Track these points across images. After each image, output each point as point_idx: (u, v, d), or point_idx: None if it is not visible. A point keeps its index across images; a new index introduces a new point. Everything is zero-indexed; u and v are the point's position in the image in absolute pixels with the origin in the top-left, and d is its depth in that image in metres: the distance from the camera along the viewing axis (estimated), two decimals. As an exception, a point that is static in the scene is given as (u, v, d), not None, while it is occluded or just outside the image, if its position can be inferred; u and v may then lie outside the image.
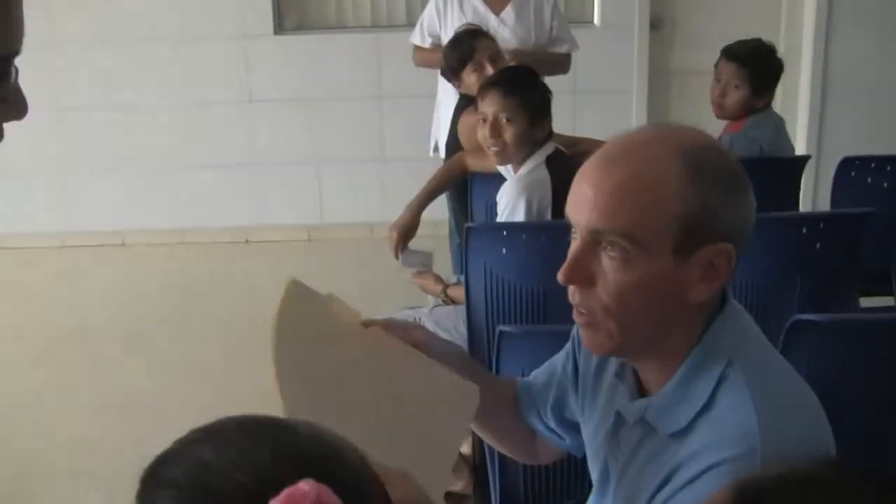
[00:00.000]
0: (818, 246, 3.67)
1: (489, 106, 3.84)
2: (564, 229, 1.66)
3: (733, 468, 1.50)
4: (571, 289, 1.67)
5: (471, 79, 4.51)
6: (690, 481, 1.58)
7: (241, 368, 4.99)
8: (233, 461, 0.99)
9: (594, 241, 1.62)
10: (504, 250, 3.53)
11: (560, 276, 1.65)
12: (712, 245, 1.60)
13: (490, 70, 4.41)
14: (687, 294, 1.62)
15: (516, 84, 3.86)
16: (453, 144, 4.77)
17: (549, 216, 3.78)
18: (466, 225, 3.65)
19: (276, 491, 0.93)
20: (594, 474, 1.95)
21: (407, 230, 4.29)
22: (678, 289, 1.62)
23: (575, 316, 1.70)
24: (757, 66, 4.56)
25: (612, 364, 1.87)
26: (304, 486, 0.93)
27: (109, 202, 7.48)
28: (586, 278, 1.63)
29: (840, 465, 1.02)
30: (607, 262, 1.61)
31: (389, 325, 1.98)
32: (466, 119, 4.52)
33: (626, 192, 1.59)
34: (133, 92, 7.30)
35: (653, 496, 1.67)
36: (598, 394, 1.93)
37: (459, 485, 3.80)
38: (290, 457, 1.01)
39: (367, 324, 1.95)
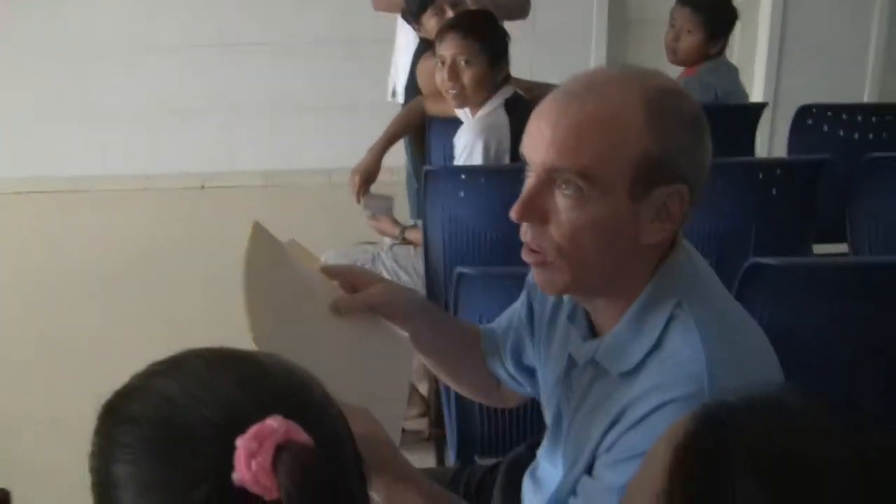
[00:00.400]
0: (774, 192, 3.69)
1: (448, 49, 3.82)
2: (519, 173, 1.64)
3: (681, 407, 1.50)
4: (524, 227, 1.66)
5: (431, 23, 4.48)
6: (639, 420, 1.59)
7: (205, 311, 4.98)
8: (197, 396, 0.97)
9: (549, 179, 1.61)
10: (462, 193, 3.53)
11: (513, 214, 1.64)
12: (667, 186, 1.59)
13: (451, 14, 4.39)
14: (640, 235, 1.62)
15: (475, 27, 3.85)
16: (412, 89, 4.76)
17: (507, 160, 3.78)
18: (425, 168, 3.64)
19: (243, 427, 0.92)
20: (548, 418, 1.96)
21: (369, 174, 4.29)
22: (631, 229, 1.61)
23: (525, 255, 1.69)
24: (710, 11, 4.59)
25: (566, 308, 1.87)
26: (273, 422, 0.92)
27: (69, 148, 7.40)
28: (540, 216, 1.62)
29: (806, 392, 1.02)
30: (561, 201, 1.60)
31: (352, 275, 1.98)
32: (425, 63, 4.51)
33: (586, 131, 1.57)
34: (93, 37, 7.21)
35: (603, 436, 1.67)
36: (553, 338, 1.94)
37: (415, 423, 3.82)
38: (257, 392, 0.99)
39: (330, 271, 1.95)
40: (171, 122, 7.35)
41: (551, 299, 1.95)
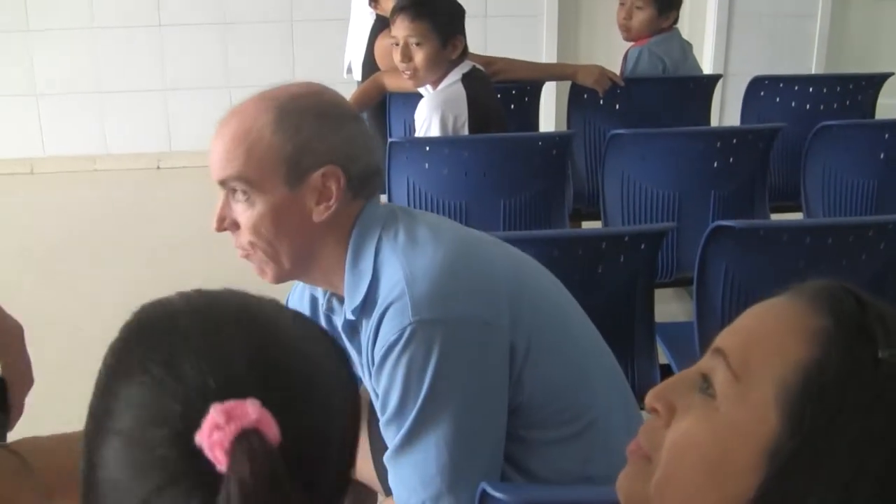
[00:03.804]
0: (731, 160, 3.79)
1: (399, 31, 3.87)
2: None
3: (394, 310, 1.84)
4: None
5: (389, 4, 4.49)
6: (375, 338, 1.89)
7: (164, 287, 4.97)
8: (210, 354, 1.00)
9: (226, 191, 1.93)
10: (427, 165, 3.59)
11: (213, 227, 1.96)
12: (318, 170, 1.89)
13: (408, -8, 4.40)
14: (311, 216, 1.91)
15: (424, 7, 3.88)
16: (370, 66, 4.78)
17: (466, 132, 3.83)
18: (390, 140, 3.69)
19: (224, 399, 0.95)
20: None
21: None
22: (301, 213, 1.91)
23: (240, 255, 2.00)
24: None
25: (323, 308, 2.14)
26: (251, 406, 0.94)
27: (18, 130, 7.34)
28: (232, 224, 1.94)
29: None
30: (237, 207, 1.92)
31: None
32: (383, 41, 4.53)
33: (230, 145, 1.89)
34: (38, 16, 7.14)
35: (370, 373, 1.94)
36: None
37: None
38: (260, 373, 1.00)
39: None
40: (126, 102, 7.30)
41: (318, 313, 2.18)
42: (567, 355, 2.02)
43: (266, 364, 1.01)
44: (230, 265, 2.16)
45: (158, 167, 7.37)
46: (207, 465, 0.93)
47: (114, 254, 5.72)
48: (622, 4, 4.73)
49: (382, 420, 1.90)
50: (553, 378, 1.96)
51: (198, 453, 0.93)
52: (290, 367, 1.03)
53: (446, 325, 1.83)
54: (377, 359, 1.87)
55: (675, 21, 4.76)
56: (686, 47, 4.92)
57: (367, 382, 2.01)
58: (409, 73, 3.89)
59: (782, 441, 0.99)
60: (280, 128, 1.88)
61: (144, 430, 0.97)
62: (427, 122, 3.84)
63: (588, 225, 4.50)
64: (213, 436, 0.92)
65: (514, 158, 3.74)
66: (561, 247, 2.71)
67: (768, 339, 1.05)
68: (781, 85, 4.69)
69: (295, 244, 1.93)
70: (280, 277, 2.00)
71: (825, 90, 4.69)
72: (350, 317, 1.95)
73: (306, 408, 1.01)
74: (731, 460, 1.02)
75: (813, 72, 7.23)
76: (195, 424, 0.94)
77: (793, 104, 4.65)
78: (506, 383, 1.90)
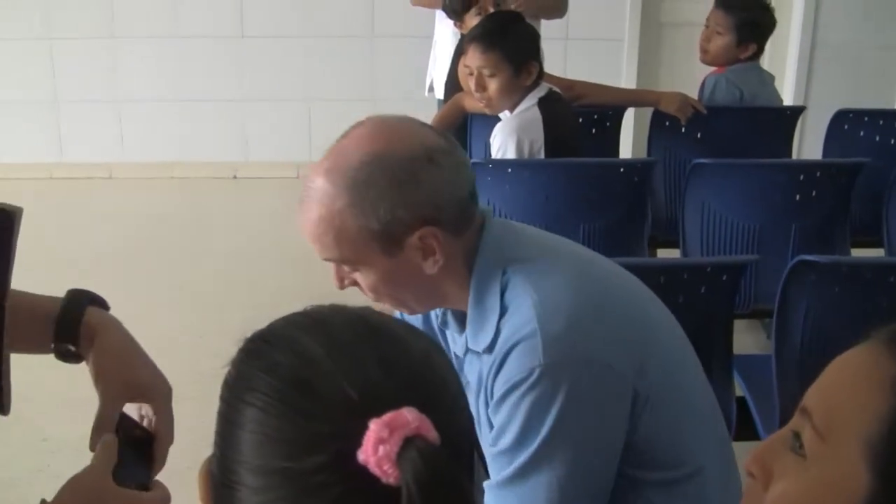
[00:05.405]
0: (814, 194, 3.76)
1: (472, 60, 3.87)
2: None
3: (523, 348, 1.80)
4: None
5: (473, 22, 4.50)
6: (498, 371, 1.85)
7: (236, 296, 5.05)
8: (340, 366, 1.00)
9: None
10: (507, 187, 3.60)
11: (335, 286, 1.93)
12: (412, 234, 1.82)
13: (494, 13, 4.41)
14: (422, 271, 1.86)
15: (495, 37, 3.86)
16: (453, 86, 4.79)
17: (542, 156, 3.83)
18: (472, 161, 3.70)
19: (377, 409, 0.95)
20: None
21: None
22: (412, 271, 1.86)
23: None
24: (743, 15, 4.62)
25: (437, 319, 2.13)
26: (408, 414, 0.95)
27: (98, 134, 7.45)
28: (352, 283, 1.93)
29: None
30: (351, 274, 1.91)
31: None
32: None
33: (318, 232, 1.84)
34: (123, 24, 7.26)
35: (486, 405, 1.92)
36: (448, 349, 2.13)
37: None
38: (397, 376, 1.01)
39: None
40: (205, 110, 7.40)
41: (431, 322, 2.18)
42: (683, 407, 1.99)
43: (399, 368, 1.02)
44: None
45: (235, 177, 7.44)
46: (371, 481, 0.94)
47: (188, 261, 5.81)
48: (707, 26, 4.73)
49: (493, 450, 1.88)
50: (667, 426, 1.94)
51: (361, 471, 0.94)
52: (421, 369, 1.04)
53: (575, 370, 1.82)
54: (498, 394, 1.85)
55: (756, 55, 4.74)
56: (767, 78, 4.89)
57: (473, 406, 1.99)
58: (483, 102, 3.91)
59: (876, 496, 0.97)
60: (360, 210, 1.80)
61: (292, 460, 0.97)
62: (503, 146, 3.85)
63: (664, 252, 4.49)
64: (380, 450, 0.93)
65: (596, 184, 3.75)
66: (642, 275, 2.70)
67: (846, 392, 1.02)
68: (866, 119, 4.65)
69: (419, 293, 1.94)
70: (415, 313, 2.04)
71: (910, 126, 4.65)
72: (475, 349, 1.94)
73: (450, 406, 1.03)
74: None
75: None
76: (354, 443, 0.94)
77: (877, 138, 4.61)
78: (624, 429, 1.88)
